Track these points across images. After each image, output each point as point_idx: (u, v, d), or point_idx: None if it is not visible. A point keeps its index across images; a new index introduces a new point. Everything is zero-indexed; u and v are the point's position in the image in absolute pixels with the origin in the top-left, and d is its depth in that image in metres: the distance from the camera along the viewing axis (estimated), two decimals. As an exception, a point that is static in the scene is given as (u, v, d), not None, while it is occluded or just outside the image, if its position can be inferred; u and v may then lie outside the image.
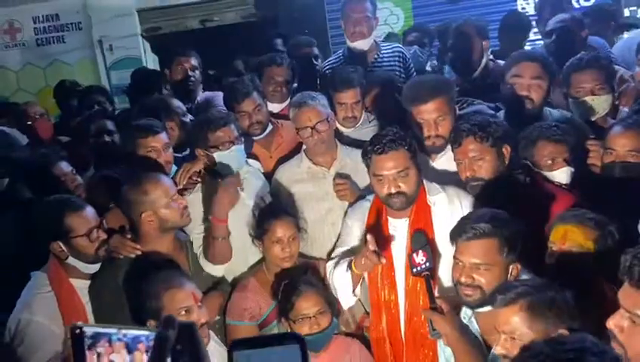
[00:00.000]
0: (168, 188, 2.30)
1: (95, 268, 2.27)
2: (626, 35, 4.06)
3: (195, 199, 2.57)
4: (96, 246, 2.23)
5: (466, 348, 1.77)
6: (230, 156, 2.54)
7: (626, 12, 4.77)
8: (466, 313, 1.94)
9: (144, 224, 2.29)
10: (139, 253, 2.29)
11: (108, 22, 5.79)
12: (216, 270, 2.46)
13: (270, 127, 2.92)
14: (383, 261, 2.05)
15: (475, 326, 1.90)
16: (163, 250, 2.31)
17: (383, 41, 3.88)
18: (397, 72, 3.40)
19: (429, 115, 2.40)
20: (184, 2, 5.71)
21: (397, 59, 3.47)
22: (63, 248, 2.21)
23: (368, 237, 2.07)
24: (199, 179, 2.61)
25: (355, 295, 2.23)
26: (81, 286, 2.26)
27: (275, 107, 3.15)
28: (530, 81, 2.63)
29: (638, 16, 4.66)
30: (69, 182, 2.73)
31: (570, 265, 1.81)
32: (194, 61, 3.51)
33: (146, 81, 3.77)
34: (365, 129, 2.86)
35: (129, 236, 2.36)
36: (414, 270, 1.96)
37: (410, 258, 1.98)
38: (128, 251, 2.30)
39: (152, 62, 5.88)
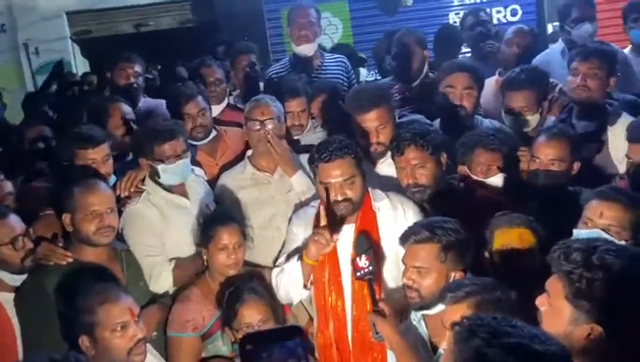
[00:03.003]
0: (98, 201, 2.20)
1: (21, 279, 2.14)
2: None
3: (139, 210, 2.48)
4: (21, 255, 2.11)
5: (406, 350, 1.79)
6: (174, 170, 2.48)
7: (550, 28, 5.02)
8: (415, 315, 1.97)
9: (64, 224, 2.22)
10: (70, 260, 2.19)
11: (35, 24, 5.53)
12: (162, 289, 2.42)
13: (214, 133, 2.93)
14: (336, 238, 2.08)
15: (423, 329, 1.94)
16: (95, 259, 2.22)
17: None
18: (340, 80, 3.49)
19: (371, 123, 2.50)
20: (117, 5, 5.51)
21: (340, 68, 3.58)
22: (-15, 259, 2.06)
23: (321, 212, 2.10)
24: (144, 188, 2.53)
25: (306, 288, 2.22)
26: (7, 298, 2.12)
27: (214, 109, 3.13)
28: (462, 91, 2.77)
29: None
30: (-4, 190, 2.56)
31: (524, 264, 1.92)
32: (137, 67, 3.45)
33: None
34: (311, 135, 2.89)
35: (60, 244, 2.25)
36: (358, 274, 1.98)
37: (353, 262, 2.00)
38: (58, 258, 2.19)
39: (82, 65, 5.64)
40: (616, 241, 1.83)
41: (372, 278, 1.95)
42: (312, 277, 2.22)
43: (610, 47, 3.29)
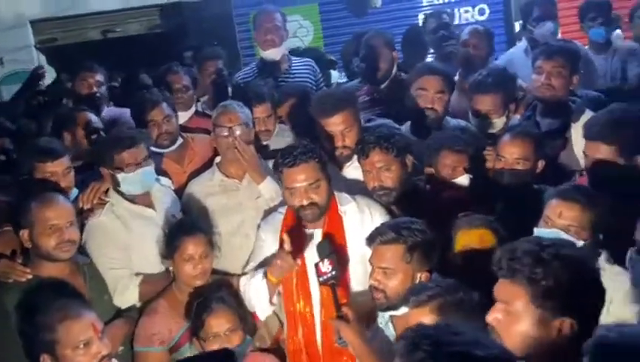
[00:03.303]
0: (57, 215, 2.16)
1: (-20, 297, 2.07)
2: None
3: (102, 222, 2.44)
4: None
5: (370, 355, 1.80)
6: (134, 179, 2.44)
7: (517, 26, 5.08)
8: (383, 317, 1.97)
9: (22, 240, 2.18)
10: (29, 276, 2.15)
11: (-2, 33, 5.40)
12: (127, 303, 2.38)
13: (181, 140, 2.90)
14: (299, 263, 2.08)
15: (391, 331, 1.93)
16: (56, 274, 2.16)
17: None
18: (309, 84, 3.49)
19: (336, 127, 2.50)
20: (83, 12, 5.42)
21: (308, 71, 3.59)
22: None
23: (284, 237, 2.09)
24: (108, 199, 2.49)
25: (272, 304, 2.21)
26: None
27: (182, 116, 3.11)
28: (434, 95, 2.79)
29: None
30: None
31: (486, 264, 1.87)
32: (99, 77, 3.41)
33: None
34: (280, 140, 2.88)
35: (19, 260, 2.20)
36: (320, 279, 1.99)
37: (316, 267, 2.00)
38: (18, 275, 2.15)
39: (49, 74, 5.53)
40: (577, 242, 1.86)
41: (335, 283, 1.95)
42: (279, 287, 2.20)
43: (573, 45, 3.35)
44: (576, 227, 1.91)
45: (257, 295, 2.19)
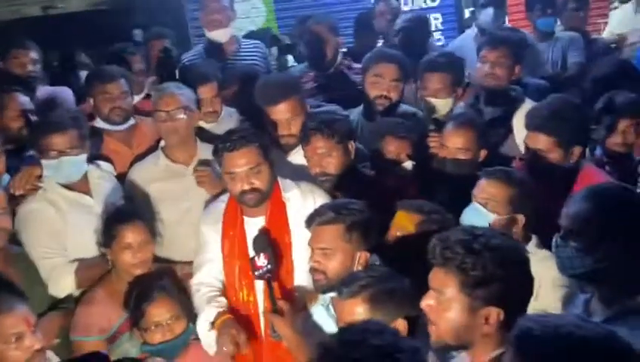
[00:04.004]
0: None
1: None
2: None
3: (34, 209, 2.34)
4: None
5: (303, 348, 1.80)
6: (56, 167, 2.33)
7: (467, 13, 5.13)
8: (324, 299, 1.96)
9: None
10: None
11: None
12: (63, 292, 2.30)
13: (132, 121, 2.82)
14: (245, 350, 2.04)
15: (332, 312, 1.93)
16: None
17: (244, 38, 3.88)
18: (258, 66, 3.42)
19: (282, 115, 2.47)
20: (22, -14, 5.14)
21: (258, 54, 3.53)
22: None
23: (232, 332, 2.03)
24: (41, 185, 2.38)
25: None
26: None
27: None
28: (389, 83, 2.78)
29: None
30: None
31: (418, 250, 1.87)
32: (33, 54, 3.23)
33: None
34: (227, 123, 2.80)
35: None
36: (256, 273, 1.97)
37: (252, 261, 1.97)
38: None
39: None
40: (490, 215, 1.96)
41: (271, 277, 1.94)
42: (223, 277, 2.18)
43: (519, 34, 3.40)
44: (494, 202, 2.00)
45: (203, 339, 2.13)
